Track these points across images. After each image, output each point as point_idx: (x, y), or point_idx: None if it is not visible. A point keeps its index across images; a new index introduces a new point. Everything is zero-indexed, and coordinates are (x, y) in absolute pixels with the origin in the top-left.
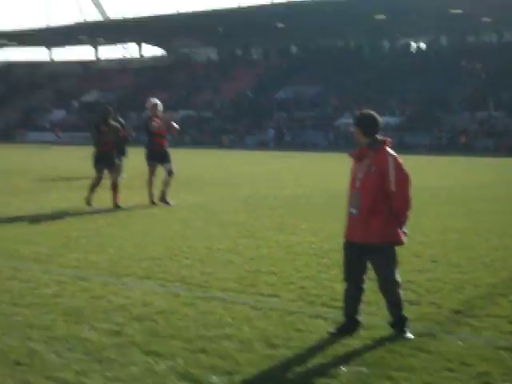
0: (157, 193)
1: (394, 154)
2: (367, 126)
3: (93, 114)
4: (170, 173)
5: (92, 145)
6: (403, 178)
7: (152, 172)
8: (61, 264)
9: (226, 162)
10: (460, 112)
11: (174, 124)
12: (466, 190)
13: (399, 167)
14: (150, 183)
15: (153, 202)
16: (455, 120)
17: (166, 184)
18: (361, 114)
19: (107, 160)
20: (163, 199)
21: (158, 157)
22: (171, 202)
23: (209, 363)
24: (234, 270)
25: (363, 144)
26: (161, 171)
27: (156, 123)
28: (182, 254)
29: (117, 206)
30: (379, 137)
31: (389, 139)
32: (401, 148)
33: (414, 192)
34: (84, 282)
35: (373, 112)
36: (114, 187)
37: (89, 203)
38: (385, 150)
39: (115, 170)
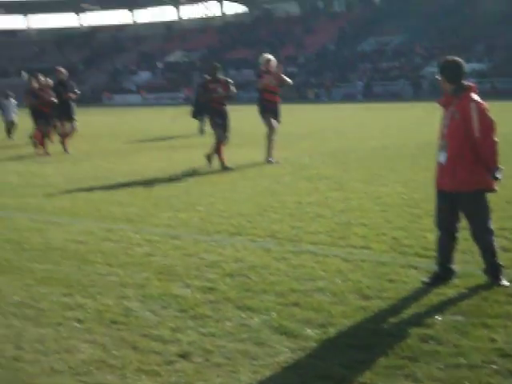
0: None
1: (478, 100)
2: (451, 72)
3: (177, 74)
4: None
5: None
6: (487, 123)
7: (270, 125)
8: (152, 223)
9: (312, 115)
10: None
11: (285, 77)
12: None
13: (483, 113)
14: (270, 138)
15: (269, 161)
16: None
17: (270, 142)
18: (444, 61)
19: (223, 116)
20: (268, 159)
21: (271, 112)
22: (273, 159)
23: (302, 316)
24: (324, 223)
25: (448, 91)
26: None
27: (264, 79)
28: (271, 210)
29: (223, 165)
30: (465, 83)
31: (474, 85)
32: (492, 94)
33: (508, 138)
34: (175, 240)
35: (457, 58)
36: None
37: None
38: (468, 96)
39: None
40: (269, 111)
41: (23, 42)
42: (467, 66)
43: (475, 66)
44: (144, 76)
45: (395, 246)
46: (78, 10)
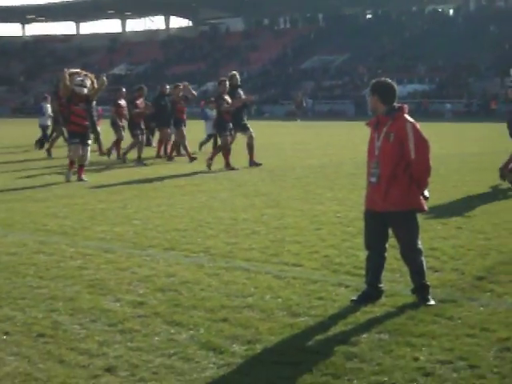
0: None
1: (413, 121)
2: (384, 93)
3: (120, 86)
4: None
5: None
6: (423, 144)
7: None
8: (86, 237)
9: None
10: (490, 78)
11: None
12: (495, 156)
13: (418, 134)
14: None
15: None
16: (485, 86)
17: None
18: (377, 82)
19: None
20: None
21: None
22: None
23: (230, 332)
24: (258, 239)
25: (380, 112)
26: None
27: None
28: (207, 225)
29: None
30: (396, 104)
31: (406, 106)
32: (429, 115)
33: (442, 159)
34: (109, 254)
35: (389, 80)
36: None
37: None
38: (403, 117)
39: None
40: None
41: None
42: (409, 87)
43: (418, 86)
44: None
45: (327, 264)
46: (22, 20)
